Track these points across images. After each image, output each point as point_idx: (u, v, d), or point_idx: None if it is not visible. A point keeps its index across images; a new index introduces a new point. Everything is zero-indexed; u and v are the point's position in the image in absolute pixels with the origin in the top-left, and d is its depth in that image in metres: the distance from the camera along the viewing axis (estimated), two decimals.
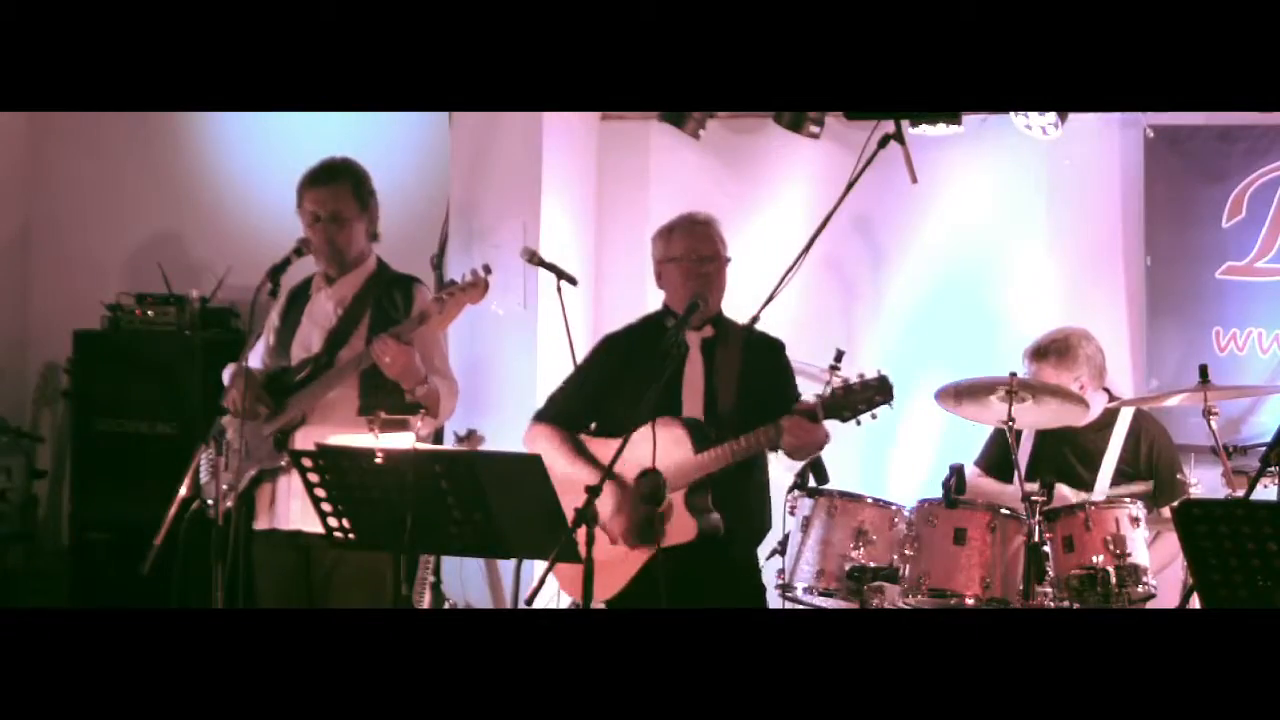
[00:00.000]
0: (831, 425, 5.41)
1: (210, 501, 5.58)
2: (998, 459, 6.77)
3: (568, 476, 5.22)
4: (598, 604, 5.41)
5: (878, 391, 5.23)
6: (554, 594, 6.72)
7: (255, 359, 5.89)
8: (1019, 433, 6.27)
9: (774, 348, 5.68)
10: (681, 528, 5.32)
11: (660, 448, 5.20)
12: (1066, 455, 6.66)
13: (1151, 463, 6.64)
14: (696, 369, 5.49)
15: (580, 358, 6.56)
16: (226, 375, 5.89)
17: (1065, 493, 6.36)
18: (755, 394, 5.42)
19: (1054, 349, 6.58)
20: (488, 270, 5.52)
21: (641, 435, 5.08)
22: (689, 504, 5.32)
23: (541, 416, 5.70)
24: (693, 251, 5.50)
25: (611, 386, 5.44)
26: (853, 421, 5.30)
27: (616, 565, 5.35)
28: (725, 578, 5.45)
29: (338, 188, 5.74)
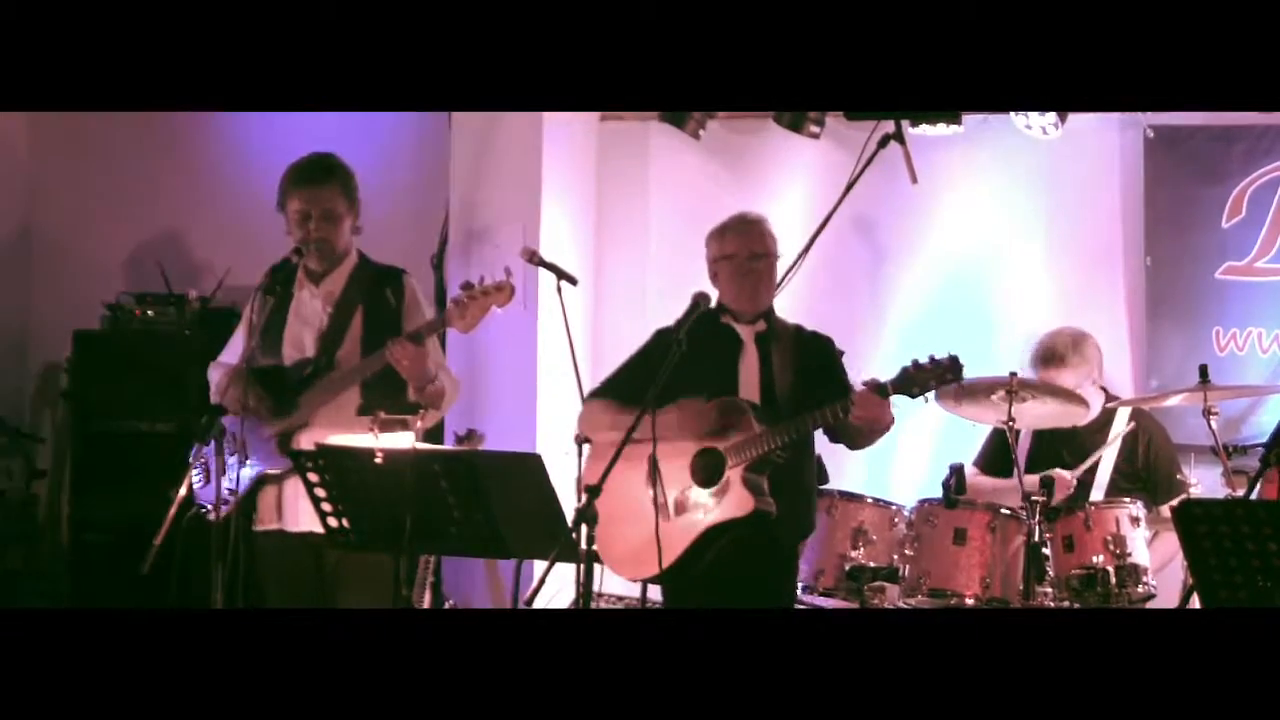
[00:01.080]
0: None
1: (207, 506, 5.57)
2: (995, 459, 6.77)
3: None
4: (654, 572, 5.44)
5: (949, 370, 5.26)
6: (554, 593, 6.72)
7: (232, 355, 5.87)
8: (1018, 432, 6.27)
9: (826, 342, 5.73)
10: (737, 502, 5.37)
11: (723, 425, 5.37)
12: (1064, 455, 6.66)
13: (1149, 462, 6.64)
14: (752, 361, 5.56)
15: (580, 358, 6.57)
16: (212, 375, 5.87)
17: (1063, 475, 6.36)
18: (811, 384, 5.47)
19: (1069, 350, 6.58)
20: (509, 273, 5.52)
21: (692, 413, 5.36)
22: (746, 480, 5.37)
23: (595, 394, 5.76)
24: (745, 249, 5.58)
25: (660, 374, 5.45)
26: (920, 399, 5.34)
27: (675, 537, 5.38)
28: (770, 562, 5.51)
29: (329, 186, 5.72)
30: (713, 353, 5.49)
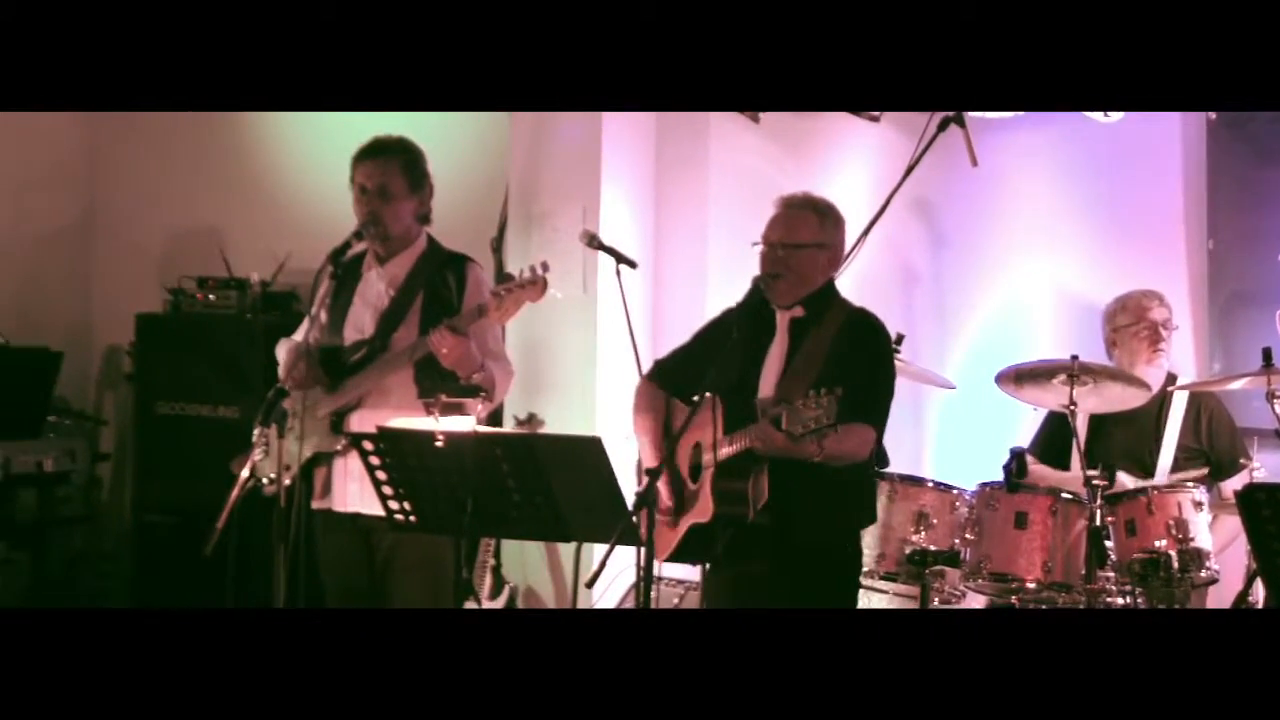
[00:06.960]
0: None
1: (266, 480, 5.60)
2: (1052, 444, 6.74)
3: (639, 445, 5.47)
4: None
5: (825, 412, 4.78)
6: (614, 577, 6.75)
7: (301, 336, 5.90)
8: (1077, 417, 6.24)
9: (865, 332, 5.40)
10: (702, 507, 5.23)
11: (709, 425, 5.16)
12: (1125, 438, 6.63)
13: (1211, 437, 6.62)
14: (780, 349, 5.36)
15: (640, 342, 6.57)
16: (280, 352, 5.91)
17: (1125, 481, 6.34)
18: (833, 381, 4.97)
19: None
20: (545, 268, 5.51)
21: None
22: (713, 485, 5.18)
23: (650, 374, 5.66)
24: (781, 236, 5.37)
25: (713, 358, 5.37)
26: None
27: (666, 532, 5.33)
28: (778, 568, 5.24)
29: (386, 162, 5.73)
30: (751, 339, 5.33)
